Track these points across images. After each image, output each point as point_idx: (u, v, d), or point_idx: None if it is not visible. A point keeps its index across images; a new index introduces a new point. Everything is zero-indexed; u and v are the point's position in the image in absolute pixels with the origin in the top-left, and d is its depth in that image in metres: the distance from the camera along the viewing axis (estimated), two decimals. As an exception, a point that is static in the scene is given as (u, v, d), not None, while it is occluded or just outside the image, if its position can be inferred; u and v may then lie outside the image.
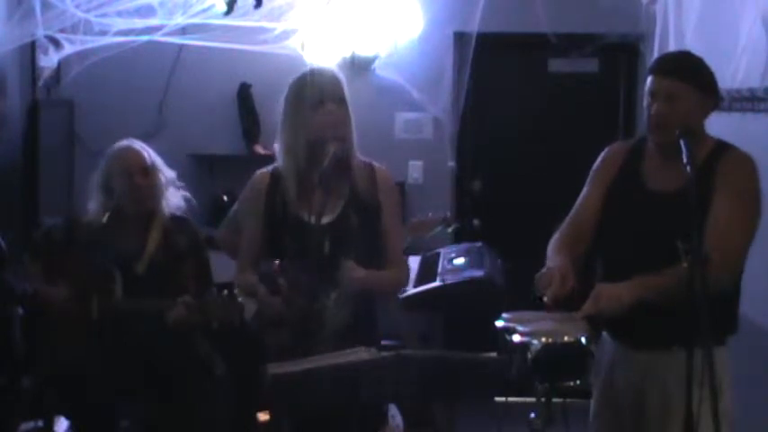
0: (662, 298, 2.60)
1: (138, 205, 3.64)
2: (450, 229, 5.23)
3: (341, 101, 3.01)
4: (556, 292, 2.63)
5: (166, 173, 3.73)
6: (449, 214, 5.16)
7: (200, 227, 3.96)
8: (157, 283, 3.56)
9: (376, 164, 3.14)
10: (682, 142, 2.58)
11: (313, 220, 2.94)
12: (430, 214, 5.09)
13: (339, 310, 2.99)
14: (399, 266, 3.18)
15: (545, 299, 2.64)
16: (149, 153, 3.70)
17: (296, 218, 3.00)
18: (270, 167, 3.17)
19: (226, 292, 3.43)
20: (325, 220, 2.98)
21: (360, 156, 3.09)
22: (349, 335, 2.90)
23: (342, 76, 3.08)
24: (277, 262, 2.93)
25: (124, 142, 3.73)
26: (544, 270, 2.73)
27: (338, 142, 2.96)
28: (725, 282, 2.65)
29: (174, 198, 3.75)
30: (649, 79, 2.84)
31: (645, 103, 2.84)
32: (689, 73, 2.80)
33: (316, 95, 2.99)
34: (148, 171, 3.65)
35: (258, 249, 3.10)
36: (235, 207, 4.27)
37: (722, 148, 2.83)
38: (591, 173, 3.03)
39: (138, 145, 3.72)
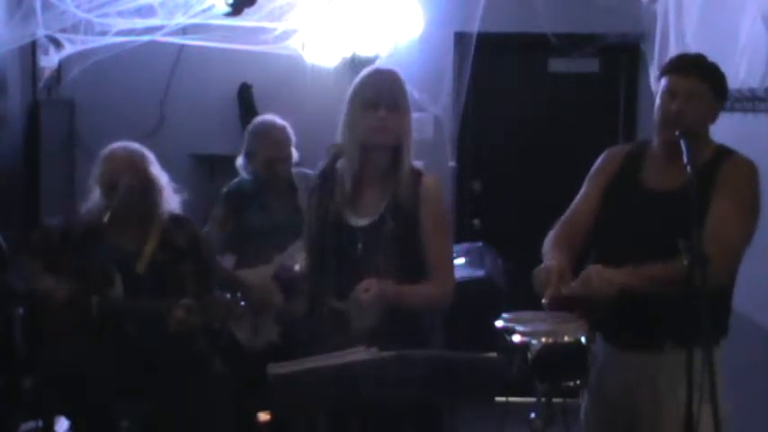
0: (654, 288, 2.59)
1: (134, 208, 3.63)
2: None
3: (396, 107, 2.95)
4: (554, 293, 2.63)
5: (161, 175, 3.73)
6: None
7: (198, 227, 3.96)
8: (158, 283, 3.56)
9: (426, 174, 3.07)
10: (682, 142, 2.58)
11: (351, 221, 2.94)
12: None
13: (363, 314, 2.94)
14: (440, 281, 3.02)
15: (543, 301, 2.64)
16: (142, 153, 3.70)
17: (338, 218, 2.99)
18: (321, 167, 3.14)
19: (228, 295, 3.43)
20: (362, 222, 2.98)
21: (413, 163, 3.03)
22: (375, 338, 2.85)
23: (403, 82, 3.01)
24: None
25: (117, 144, 3.73)
26: (542, 266, 2.73)
27: (386, 139, 2.93)
28: (722, 276, 2.65)
29: (172, 200, 3.74)
30: (667, 78, 2.83)
31: (657, 101, 2.84)
32: (709, 74, 2.82)
33: (371, 98, 2.94)
34: (138, 169, 3.64)
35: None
36: (213, 214, 4.27)
37: (725, 152, 2.84)
38: (589, 174, 3.03)
39: (132, 146, 3.72)
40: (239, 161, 4.23)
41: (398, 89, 2.98)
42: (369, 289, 2.83)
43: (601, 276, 2.59)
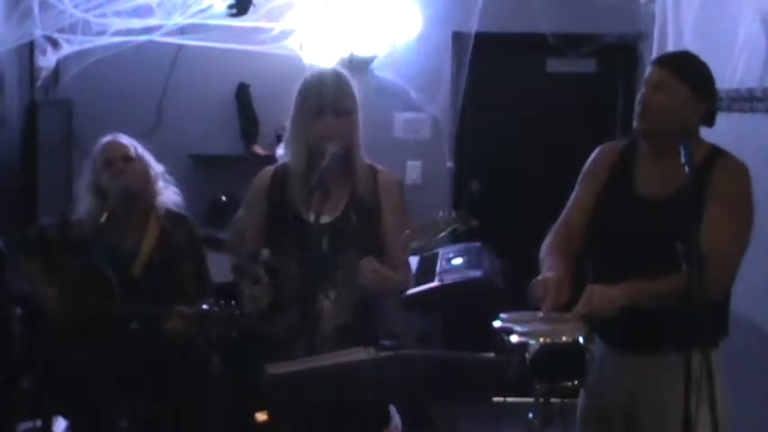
0: (655, 303, 2.60)
1: (123, 193, 3.58)
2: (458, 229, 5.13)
3: (342, 112, 2.98)
4: (551, 305, 2.63)
5: (154, 166, 3.71)
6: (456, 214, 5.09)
7: (196, 225, 3.94)
8: (156, 284, 3.55)
9: (379, 166, 3.12)
10: (681, 145, 2.57)
11: (312, 218, 2.94)
12: (440, 213, 5.05)
13: (338, 310, 3.00)
14: (402, 269, 3.12)
15: (540, 314, 2.64)
16: (134, 145, 3.69)
17: (297, 216, 2.99)
18: (273, 165, 3.18)
19: (223, 302, 3.41)
20: (326, 219, 2.98)
21: (364, 159, 3.08)
22: (345, 335, 2.91)
23: (349, 83, 3.03)
24: (266, 251, 2.93)
25: (106, 137, 3.72)
26: (539, 278, 2.73)
27: (337, 144, 2.96)
28: (721, 289, 2.64)
29: (168, 192, 3.73)
30: (646, 73, 2.86)
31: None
32: (682, 69, 2.80)
33: (316, 105, 2.97)
34: (130, 158, 3.63)
35: (257, 245, 3.08)
36: (239, 212, 4.26)
37: (716, 154, 2.81)
38: (582, 173, 3.02)
39: (122, 138, 3.70)
40: (279, 151, 4.24)
41: (344, 91, 3.00)
42: (368, 268, 2.89)
43: (602, 296, 2.59)
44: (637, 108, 2.83)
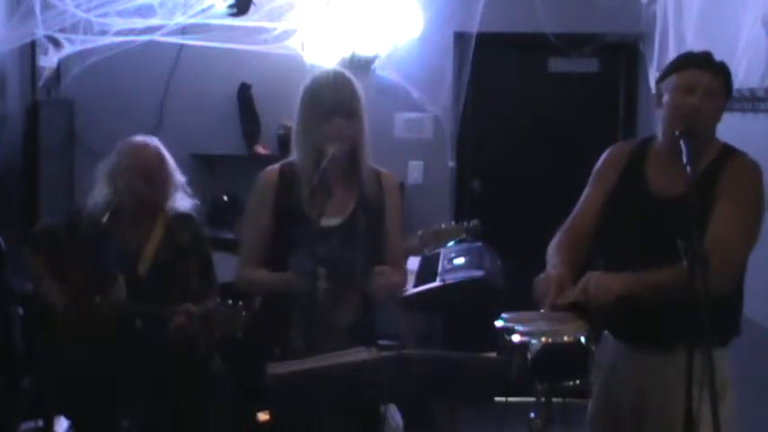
0: (655, 295, 2.59)
1: (137, 206, 3.60)
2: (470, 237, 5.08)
3: (352, 113, 2.98)
4: (552, 302, 2.63)
5: (177, 178, 3.68)
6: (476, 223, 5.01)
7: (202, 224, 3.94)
8: (161, 283, 3.54)
9: (381, 169, 3.14)
10: (682, 142, 2.57)
11: (322, 220, 2.95)
12: (443, 225, 5.02)
13: (344, 311, 3.00)
14: (400, 269, 3.17)
15: (542, 310, 2.64)
16: (163, 155, 3.64)
17: (306, 217, 2.99)
18: (277, 164, 3.17)
19: (230, 301, 3.41)
20: (335, 221, 2.99)
21: (369, 160, 3.09)
22: (350, 334, 2.91)
23: (355, 85, 3.04)
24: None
25: (139, 139, 3.67)
26: (542, 275, 2.73)
27: (343, 145, 2.96)
28: (725, 285, 2.64)
29: (182, 202, 3.70)
30: (684, 73, 2.79)
31: (671, 96, 2.78)
32: (724, 73, 2.81)
33: (327, 107, 2.96)
34: (152, 180, 3.60)
35: (264, 246, 3.09)
36: (244, 219, 4.25)
37: (729, 152, 2.82)
38: (592, 174, 3.01)
39: (151, 149, 3.64)
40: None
41: (355, 95, 3.02)
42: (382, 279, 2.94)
43: (599, 284, 2.59)
44: (682, 112, 2.74)
